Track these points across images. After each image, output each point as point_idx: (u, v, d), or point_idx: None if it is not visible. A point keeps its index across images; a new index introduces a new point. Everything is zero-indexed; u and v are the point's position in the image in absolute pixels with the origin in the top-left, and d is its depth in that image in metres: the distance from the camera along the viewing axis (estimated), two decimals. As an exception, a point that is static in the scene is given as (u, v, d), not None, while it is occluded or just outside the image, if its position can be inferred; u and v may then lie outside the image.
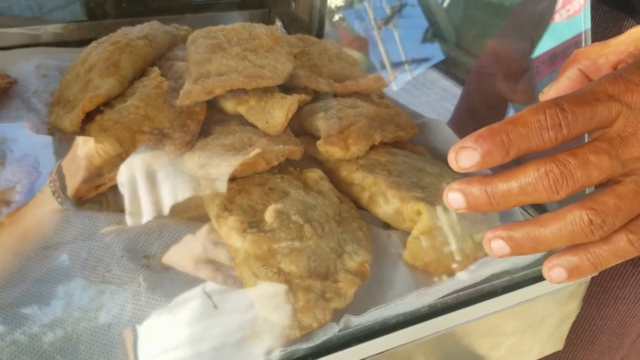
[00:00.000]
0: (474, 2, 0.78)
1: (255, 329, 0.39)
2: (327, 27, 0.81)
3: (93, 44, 0.62)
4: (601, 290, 0.62)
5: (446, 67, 0.83)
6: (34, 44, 0.70)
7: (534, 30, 0.57)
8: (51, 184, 0.47)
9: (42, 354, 0.38)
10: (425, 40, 0.87)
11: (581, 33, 0.48)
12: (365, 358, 0.40)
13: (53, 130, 0.58)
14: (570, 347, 0.66)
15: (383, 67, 0.87)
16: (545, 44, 0.55)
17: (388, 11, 0.93)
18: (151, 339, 0.39)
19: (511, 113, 0.58)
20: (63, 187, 0.48)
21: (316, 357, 0.38)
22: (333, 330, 0.39)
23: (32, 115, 0.59)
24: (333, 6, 0.83)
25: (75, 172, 0.48)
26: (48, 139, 0.57)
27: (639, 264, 0.60)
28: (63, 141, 0.56)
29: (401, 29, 0.91)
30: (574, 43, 0.50)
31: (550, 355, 0.54)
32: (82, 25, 0.73)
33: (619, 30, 0.57)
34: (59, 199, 0.47)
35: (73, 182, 0.48)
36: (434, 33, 0.84)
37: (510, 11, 0.70)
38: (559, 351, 0.54)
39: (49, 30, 0.71)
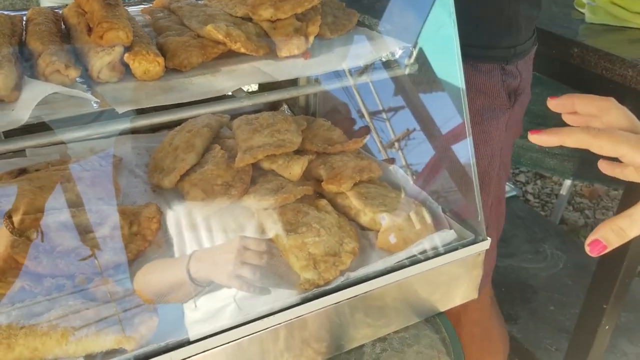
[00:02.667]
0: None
1: (297, 283, 0.75)
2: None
3: (173, 131, 1.00)
4: None
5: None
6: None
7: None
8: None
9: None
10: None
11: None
12: (358, 294, 0.75)
13: (154, 187, 0.94)
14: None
15: (362, 117, 1.20)
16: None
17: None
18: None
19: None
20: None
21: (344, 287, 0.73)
22: (341, 280, 0.75)
23: (138, 180, 0.96)
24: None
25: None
26: (152, 193, 0.93)
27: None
28: (162, 194, 0.93)
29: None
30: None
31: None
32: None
33: None
34: None
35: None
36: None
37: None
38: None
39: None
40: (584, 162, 2.47)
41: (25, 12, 0.82)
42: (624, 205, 1.29)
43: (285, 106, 1.18)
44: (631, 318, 1.71)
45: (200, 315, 0.77)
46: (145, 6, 0.93)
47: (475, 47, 1.07)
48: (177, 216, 0.87)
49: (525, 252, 1.82)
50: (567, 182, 2.45)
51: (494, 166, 1.17)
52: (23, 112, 0.60)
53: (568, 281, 1.79)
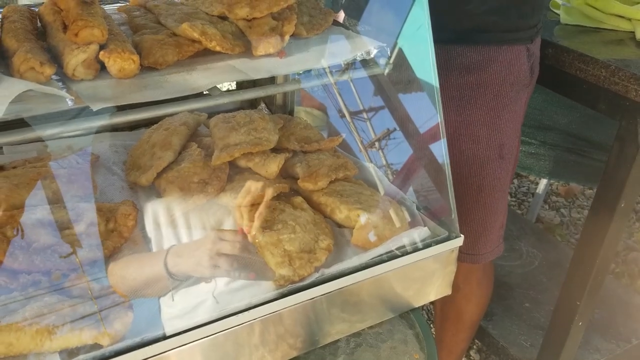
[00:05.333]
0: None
1: (273, 279, 0.77)
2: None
3: (150, 129, 1.01)
4: None
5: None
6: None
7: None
8: None
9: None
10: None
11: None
12: (333, 290, 0.77)
13: (132, 185, 0.95)
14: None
15: (342, 116, 1.23)
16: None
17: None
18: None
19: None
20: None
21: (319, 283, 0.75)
22: (315, 276, 0.77)
23: (115, 177, 0.97)
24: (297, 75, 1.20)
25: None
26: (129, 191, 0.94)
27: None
28: (139, 191, 0.94)
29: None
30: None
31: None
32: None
33: None
34: None
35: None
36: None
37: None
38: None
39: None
40: (559, 162, 2.53)
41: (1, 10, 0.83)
42: (597, 203, 1.33)
43: (263, 105, 1.19)
44: (604, 315, 1.76)
45: (177, 310, 0.78)
46: (122, 5, 0.94)
47: (504, 31, 1.11)
48: (154, 213, 0.88)
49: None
50: (544, 181, 2.50)
51: (517, 142, 1.24)
52: (-3, 108, 0.61)
53: (543, 279, 1.84)
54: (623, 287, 1.98)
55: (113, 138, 1.05)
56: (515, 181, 2.82)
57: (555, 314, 1.49)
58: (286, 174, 0.99)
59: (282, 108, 1.19)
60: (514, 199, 2.67)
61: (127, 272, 0.79)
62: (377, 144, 1.13)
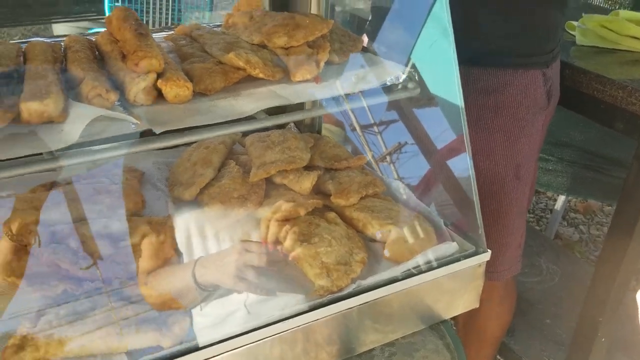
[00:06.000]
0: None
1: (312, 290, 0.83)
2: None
3: (190, 148, 1.09)
4: None
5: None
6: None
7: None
8: None
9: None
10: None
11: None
12: (369, 301, 0.84)
13: (175, 200, 1.03)
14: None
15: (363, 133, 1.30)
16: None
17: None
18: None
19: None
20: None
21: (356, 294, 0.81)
22: (352, 287, 0.84)
23: (160, 193, 1.05)
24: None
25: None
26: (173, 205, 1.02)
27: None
28: (183, 206, 1.01)
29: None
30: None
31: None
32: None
33: None
34: None
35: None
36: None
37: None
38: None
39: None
40: (577, 178, 2.58)
41: (60, 39, 0.92)
42: (617, 220, 1.39)
43: (292, 124, 1.27)
44: (627, 332, 1.80)
45: (209, 320, 0.84)
46: (168, 33, 1.02)
47: (519, 56, 1.18)
48: (196, 226, 0.96)
49: (522, 265, 1.92)
50: (562, 198, 2.55)
51: (535, 164, 1.30)
52: (73, 132, 0.69)
53: (563, 295, 1.88)
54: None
55: (156, 156, 1.13)
56: (534, 198, 2.87)
57: (577, 330, 1.54)
58: (317, 190, 1.06)
59: (310, 127, 1.26)
60: (532, 215, 2.72)
61: (159, 283, 0.85)
62: (394, 159, 1.20)
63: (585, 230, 2.65)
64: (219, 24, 1.09)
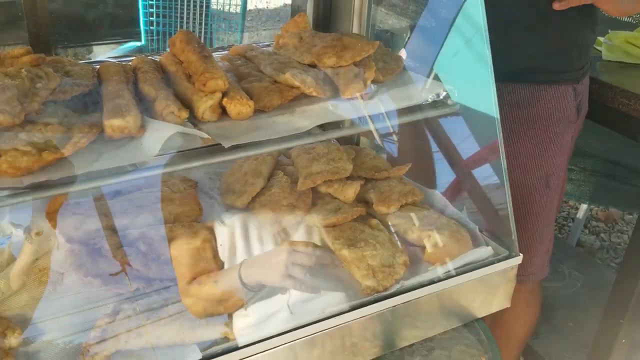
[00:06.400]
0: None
1: (361, 289, 0.91)
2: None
3: (240, 159, 1.17)
4: None
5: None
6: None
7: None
8: None
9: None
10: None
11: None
12: (411, 300, 0.91)
13: (228, 207, 1.11)
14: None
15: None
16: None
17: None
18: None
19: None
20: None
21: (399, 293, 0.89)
22: (396, 287, 0.91)
23: (213, 201, 1.13)
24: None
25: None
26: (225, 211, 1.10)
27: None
28: (235, 213, 1.09)
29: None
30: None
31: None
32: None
33: None
34: None
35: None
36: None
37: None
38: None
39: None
40: (599, 187, 2.63)
41: (125, 60, 1.01)
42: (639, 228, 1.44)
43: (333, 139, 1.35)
44: (647, 337, 1.85)
45: (254, 320, 0.92)
46: (222, 53, 1.11)
47: (550, 72, 1.25)
48: (249, 232, 1.04)
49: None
50: (584, 206, 2.60)
51: (564, 174, 1.38)
52: (153, 147, 0.78)
53: (585, 300, 1.94)
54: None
55: (207, 166, 1.22)
56: (554, 206, 2.92)
57: (599, 332, 1.59)
58: (360, 199, 1.13)
59: (349, 140, 1.35)
60: (555, 224, 2.77)
61: (206, 288, 0.93)
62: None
63: (607, 237, 2.69)
64: (267, 43, 1.18)
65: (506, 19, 1.18)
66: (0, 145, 0.70)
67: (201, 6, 2.45)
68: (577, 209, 2.75)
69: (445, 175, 1.32)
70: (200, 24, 2.44)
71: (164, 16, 2.48)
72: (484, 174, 1.11)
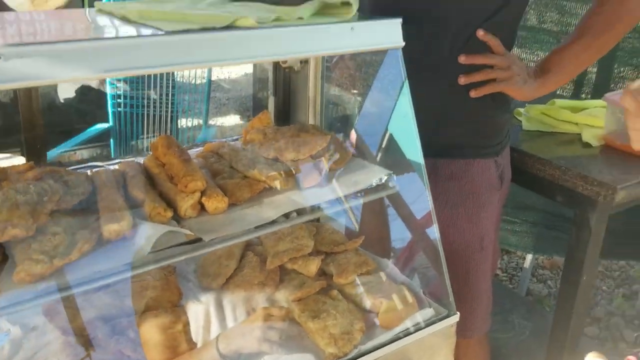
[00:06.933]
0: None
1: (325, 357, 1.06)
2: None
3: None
4: None
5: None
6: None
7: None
8: None
9: None
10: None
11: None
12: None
13: (205, 288, 1.25)
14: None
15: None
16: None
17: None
18: None
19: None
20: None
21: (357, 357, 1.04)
22: (355, 352, 1.07)
23: (190, 283, 1.27)
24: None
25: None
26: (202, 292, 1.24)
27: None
28: (212, 294, 1.23)
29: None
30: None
31: None
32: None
33: None
34: None
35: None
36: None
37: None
38: None
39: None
40: (541, 238, 2.87)
41: (114, 163, 1.17)
42: (565, 278, 1.65)
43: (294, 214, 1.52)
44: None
45: None
46: (199, 151, 1.29)
47: (474, 148, 1.46)
48: (225, 311, 1.18)
49: (496, 322, 2.16)
50: (529, 256, 2.83)
51: (495, 235, 1.55)
52: (146, 246, 0.93)
53: (533, 346, 2.12)
54: (607, 351, 2.26)
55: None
56: (505, 257, 3.15)
57: (543, 377, 1.77)
58: (321, 272, 1.30)
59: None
60: (505, 274, 2.98)
61: None
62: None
63: (553, 284, 2.92)
64: (236, 137, 1.36)
65: (434, 104, 1.40)
66: (17, 256, 0.84)
67: (167, 94, 2.64)
68: (524, 259, 2.98)
69: (394, 244, 1.51)
70: (167, 109, 2.63)
71: (132, 97, 2.65)
72: (423, 242, 1.29)
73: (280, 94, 1.46)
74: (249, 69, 5.15)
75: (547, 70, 1.39)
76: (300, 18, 0.99)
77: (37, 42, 0.79)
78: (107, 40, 0.87)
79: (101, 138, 2.60)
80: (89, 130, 2.57)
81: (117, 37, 0.90)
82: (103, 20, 1.02)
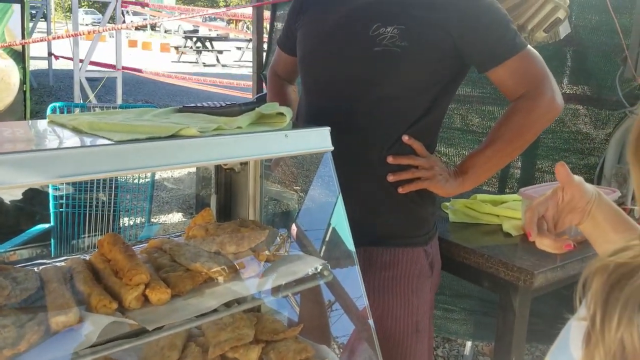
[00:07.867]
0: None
1: None
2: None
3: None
4: None
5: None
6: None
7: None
8: None
9: None
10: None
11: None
12: None
13: (146, 380, 1.28)
14: None
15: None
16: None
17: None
18: None
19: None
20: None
21: None
22: None
23: (133, 375, 1.30)
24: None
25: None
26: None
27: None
28: (153, 385, 1.27)
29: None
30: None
31: None
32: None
33: None
34: None
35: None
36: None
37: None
38: None
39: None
40: (479, 324, 3.01)
41: (60, 261, 1.24)
42: (498, 356, 1.76)
43: (235, 303, 1.59)
44: None
45: None
46: (142, 247, 1.37)
47: (404, 237, 1.59)
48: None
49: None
50: (469, 343, 2.94)
51: (430, 318, 1.65)
52: (91, 336, 0.99)
53: None
54: None
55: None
56: (447, 345, 3.24)
57: None
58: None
59: (251, 308, 1.60)
60: (446, 362, 3.06)
61: None
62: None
63: (494, 370, 3.01)
64: (179, 233, 1.46)
65: (367, 198, 1.56)
66: (-34, 348, 0.88)
67: (110, 194, 2.73)
68: (464, 346, 3.08)
69: (333, 331, 1.60)
70: (110, 209, 2.70)
71: (74, 198, 2.71)
72: (359, 329, 1.39)
73: (222, 193, 1.59)
74: (192, 168, 5.30)
75: (464, 171, 1.59)
76: (239, 127, 1.15)
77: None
78: (62, 149, 0.98)
79: (42, 238, 2.62)
80: (29, 230, 2.58)
81: (71, 147, 1.02)
82: (57, 130, 1.14)
